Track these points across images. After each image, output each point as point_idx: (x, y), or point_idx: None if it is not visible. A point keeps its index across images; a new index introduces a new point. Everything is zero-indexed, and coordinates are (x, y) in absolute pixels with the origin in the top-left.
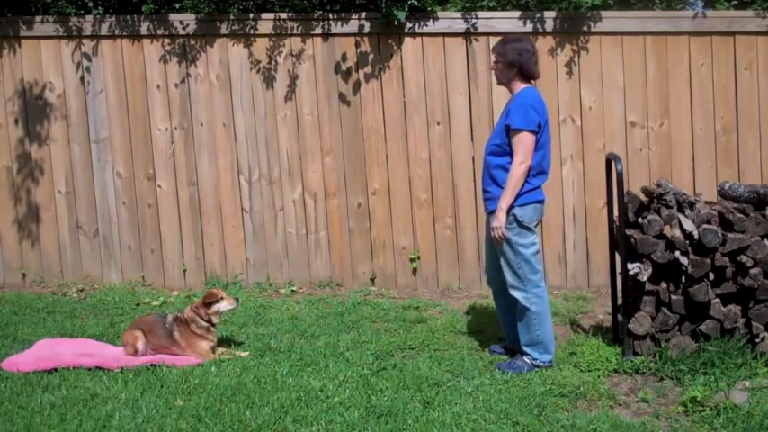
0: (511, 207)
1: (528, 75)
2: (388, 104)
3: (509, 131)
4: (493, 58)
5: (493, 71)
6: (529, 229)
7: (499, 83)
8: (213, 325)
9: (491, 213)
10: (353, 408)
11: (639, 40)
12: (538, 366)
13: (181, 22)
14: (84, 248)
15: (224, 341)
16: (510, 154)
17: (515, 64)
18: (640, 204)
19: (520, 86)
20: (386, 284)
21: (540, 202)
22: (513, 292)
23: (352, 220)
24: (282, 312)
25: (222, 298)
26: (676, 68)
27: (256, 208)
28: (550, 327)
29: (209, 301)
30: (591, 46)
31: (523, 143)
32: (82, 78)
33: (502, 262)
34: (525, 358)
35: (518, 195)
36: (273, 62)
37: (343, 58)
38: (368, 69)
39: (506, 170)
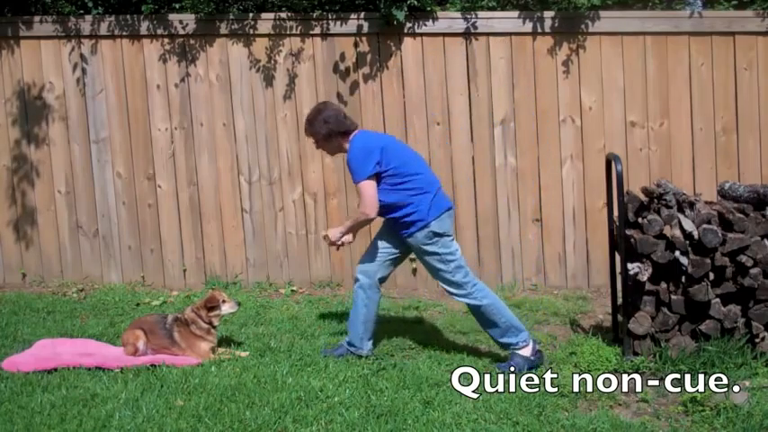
0: (428, 224)
1: (346, 132)
2: (388, 104)
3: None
4: (311, 140)
5: (321, 150)
6: (449, 237)
7: (333, 154)
8: (214, 327)
9: (410, 236)
10: (353, 408)
11: (639, 40)
12: (521, 351)
13: (180, 22)
14: (84, 248)
15: (224, 341)
16: (385, 193)
17: (330, 133)
18: (640, 204)
19: (347, 143)
20: (386, 284)
21: (450, 207)
22: (460, 300)
23: None
24: (282, 312)
25: (224, 301)
26: (676, 68)
27: (256, 208)
28: (508, 310)
29: (210, 306)
30: (591, 46)
31: (363, 193)
32: (81, 78)
33: (436, 278)
34: (516, 355)
35: (428, 209)
36: (273, 62)
37: (343, 58)
38: (367, 69)
39: (397, 205)
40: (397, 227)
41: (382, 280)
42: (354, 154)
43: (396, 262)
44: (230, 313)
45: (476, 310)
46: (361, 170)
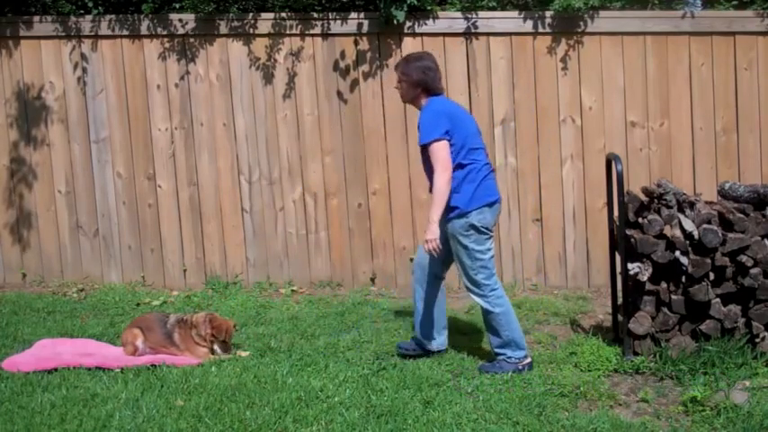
0: (467, 213)
1: (433, 92)
2: (388, 104)
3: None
4: (397, 77)
5: (397, 89)
6: (486, 235)
7: (404, 101)
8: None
9: (447, 221)
10: (354, 408)
11: (639, 40)
12: (515, 364)
13: (180, 22)
14: (85, 248)
15: None
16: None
17: (420, 83)
18: (640, 204)
19: (425, 101)
20: (386, 284)
21: (494, 201)
22: (474, 297)
23: (352, 220)
24: (282, 312)
25: (225, 341)
26: (676, 68)
27: (256, 208)
28: (517, 324)
29: (218, 333)
30: (591, 46)
31: (436, 154)
32: (81, 78)
33: (458, 267)
34: (502, 358)
35: (470, 199)
36: (273, 62)
37: (343, 57)
38: (368, 69)
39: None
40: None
41: (437, 276)
42: (432, 113)
43: (449, 258)
44: (222, 353)
45: (485, 314)
46: (433, 130)
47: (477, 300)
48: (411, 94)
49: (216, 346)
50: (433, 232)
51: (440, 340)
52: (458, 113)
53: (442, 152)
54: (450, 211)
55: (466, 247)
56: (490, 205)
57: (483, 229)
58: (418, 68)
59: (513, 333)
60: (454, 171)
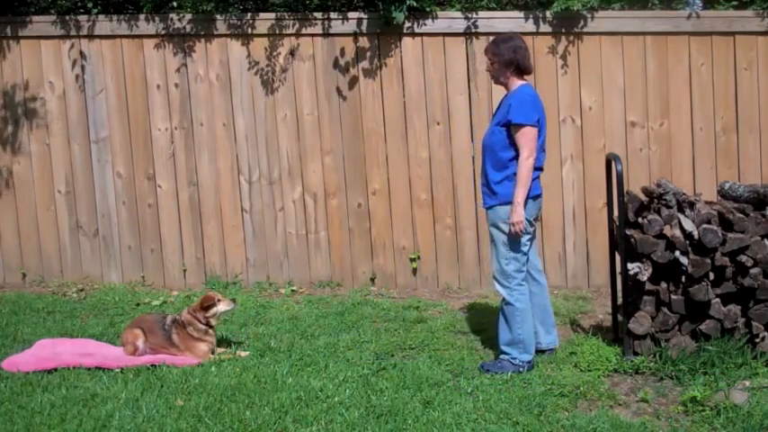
0: (510, 203)
1: (524, 70)
2: (388, 104)
3: (511, 127)
4: (488, 59)
5: (488, 72)
6: (527, 226)
7: (497, 82)
8: (212, 327)
9: (490, 208)
10: (353, 408)
11: (639, 40)
12: (518, 366)
13: (180, 22)
14: (84, 248)
15: (224, 341)
16: (507, 148)
17: (512, 62)
18: (640, 204)
19: (517, 83)
20: (386, 284)
21: (539, 195)
22: (498, 287)
23: (352, 220)
24: (282, 312)
25: (219, 300)
26: (676, 68)
27: (256, 208)
28: (531, 327)
29: (206, 305)
30: (591, 46)
31: (527, 138)
32: (81, 78)
33: (492, 253)
34: (506, 358)
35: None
36: (273, 62)
37: (343, 56)
38: (368, 68)
39: (503, 163)
40: (483, 192)
41: (533, 267)
42: (528, 99)
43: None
44: (227, 311)
45: (504, 306)
46: (529, 116)
47: (501, 290)
48: (503, 74)
49: (221, 309)
50: (519, 214)
51: (550, 338)
52: (543, 115)
53: (531, 136)
54: (493, 196)
55: (504, 233)
56: (534, 198)
57: (525, 220)
58: (509, 48)
59: (525, 334)
60: (512, 161)
